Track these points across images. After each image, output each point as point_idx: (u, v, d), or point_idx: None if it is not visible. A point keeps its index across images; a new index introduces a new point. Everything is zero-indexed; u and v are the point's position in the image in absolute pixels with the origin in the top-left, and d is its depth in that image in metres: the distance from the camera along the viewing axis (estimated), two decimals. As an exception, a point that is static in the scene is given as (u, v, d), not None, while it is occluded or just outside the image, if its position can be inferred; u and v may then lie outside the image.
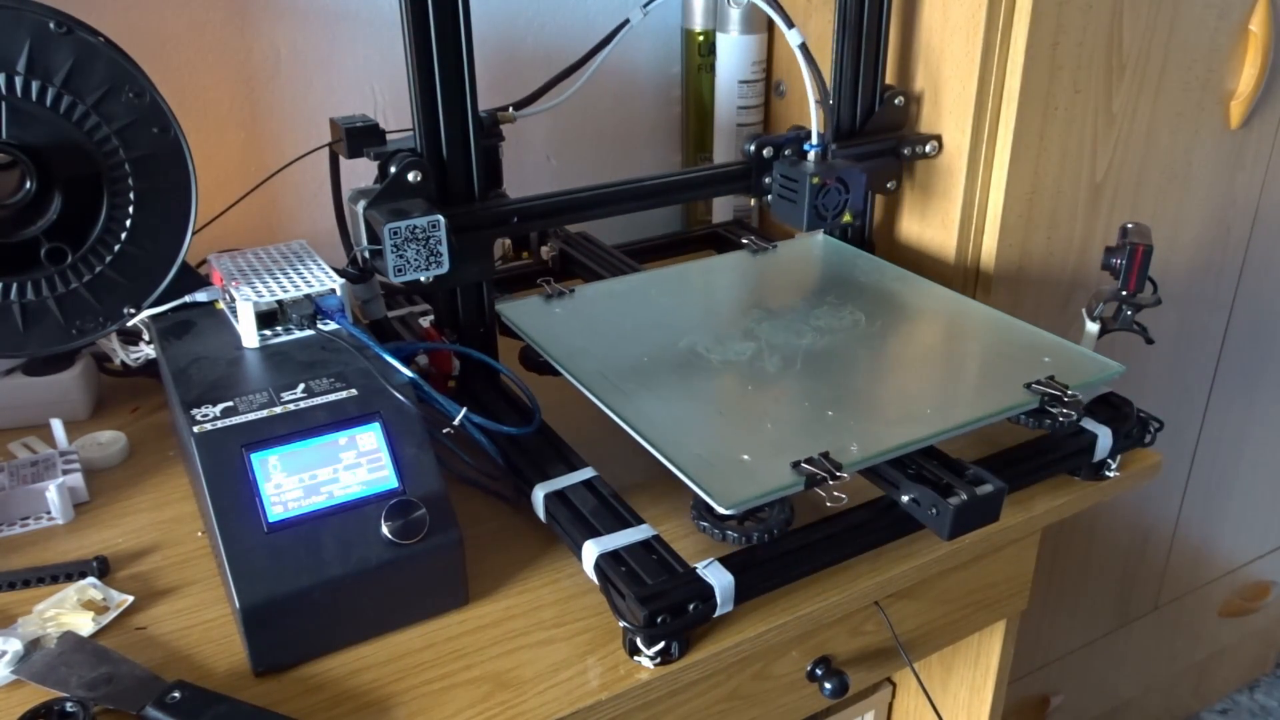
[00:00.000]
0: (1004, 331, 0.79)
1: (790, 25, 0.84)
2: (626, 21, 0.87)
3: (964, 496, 0.63)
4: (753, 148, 0.90)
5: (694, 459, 0.62)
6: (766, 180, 0.90)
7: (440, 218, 0.72)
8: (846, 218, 0.85)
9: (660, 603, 0.58)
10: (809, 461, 0.62)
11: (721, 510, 0.59)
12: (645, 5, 0.85)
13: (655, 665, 0.60)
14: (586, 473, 0.70)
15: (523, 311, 0.82)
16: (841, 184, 0.84)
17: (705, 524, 0.66)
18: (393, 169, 0.73)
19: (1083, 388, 0.71)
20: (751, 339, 0.78)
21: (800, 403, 0.69)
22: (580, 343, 0.77)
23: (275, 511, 0.59)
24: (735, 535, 0.65)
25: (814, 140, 0.86)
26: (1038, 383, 0.71)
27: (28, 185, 0.67)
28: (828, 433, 0.66)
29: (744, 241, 0.96)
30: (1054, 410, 0.69)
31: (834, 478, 0.61)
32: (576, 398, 0.72)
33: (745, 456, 0.63)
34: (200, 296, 0.74)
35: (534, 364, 0.83)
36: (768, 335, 0.79)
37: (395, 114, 1.05)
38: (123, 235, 0.70)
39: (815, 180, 0.82)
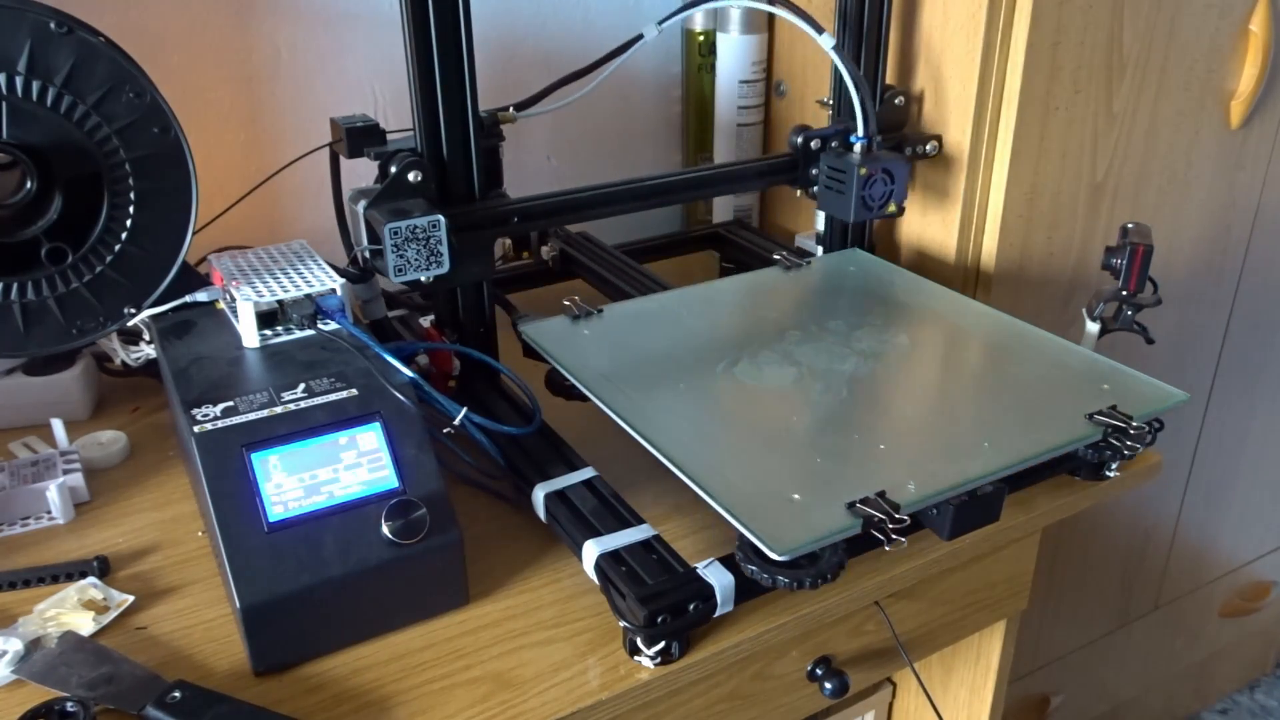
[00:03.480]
0: (1059, 355, 0.76)
1: (819, 30, 0.86)
2: (640, 36, 0.87)
3: (964, 496, 0.63)
4: (800, 140, 0.92)
5: (742, 499, 0.58)
6: (813, 172, 0.93)
7: (440, 218, 0.72)
8: (891, 208, 0.88)
9: (660, 603, 0.58)
10: (864, 502, 0.58)
11: (775, 556, 0.55)
12: (661, 23, 0.86)
13: (655, 665, 0.60)
14: (587, 472, 0.70)
15: (548, 333, 0.78)
16: (888, 174, 0.87)
17: (754, 568, 0.59)
18: (393, 169, 0.73)
19: (1145, 416, 0.67)
20: (792, 363, 0.75)
21: (850, 435, 0.66)
22: (611, 367, 0.74)
23: (275, 511, 0.59)
24: (786, 581, 0.58)
25: (860, 132, 0.88)
26: (1099, 413, 0.68)
27: (28, 185, 0.67)
28: (882, 469, 0.62)
29: (776, 257, 0.93)
30: (1117, 443, 0.66)
31: (893, 520, 0.57)
32: (578, 398, 0.72)
33: (796, 495, 0.59)
34: (201, 296, 0.74)
35: (560, 389, 0.78)
36: (809, 359, 0.75)
37: (395, 114, 1.05)
38: (123, 235, 0.70)
39: (863, 171, 0.85)
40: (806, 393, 0.71)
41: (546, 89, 0.90)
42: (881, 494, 0.59)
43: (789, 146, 0.94)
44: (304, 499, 0.59)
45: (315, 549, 0.59)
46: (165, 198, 0.71)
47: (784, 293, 0.87)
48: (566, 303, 0.82)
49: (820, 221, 1.02)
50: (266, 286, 0.71)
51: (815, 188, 0.94)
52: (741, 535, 0.57)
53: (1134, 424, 0.67)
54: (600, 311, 0.83)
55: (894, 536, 0.57)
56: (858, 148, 0.89)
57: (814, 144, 0.93)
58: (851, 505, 0.58)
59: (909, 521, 0.58)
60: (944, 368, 0.76)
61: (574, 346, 0.77)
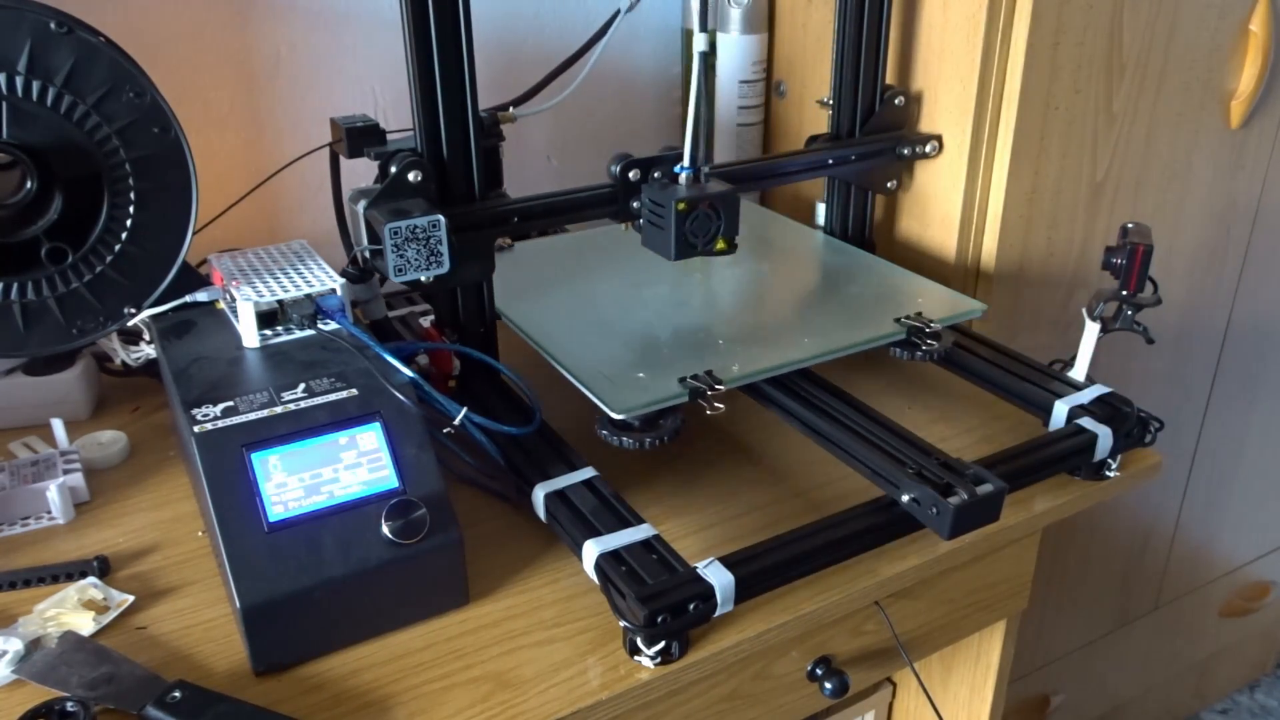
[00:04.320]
0: (889, 277, 0.91)
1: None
2: (617, 12, 0.85)
3: (964, 496, 0.63)
4: (618, 169, 0.81)
5: (596, 376, 0.73)
6: (635, 205, 0.82)
7: (440, 217, 0.72)
8: (720, 245, 0.76)
9: (660, 602, 0.58)
10: (694, 377, 0.72)
11: (614, 416, 0.68)
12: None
13: (655, 665, 0.60)
14: (587, 472, 0.70)
15: None
16: (713, 210, 0.75)
17: (605, 432, 0.70)
18: (393, 169, 0.73)
19: (944, 321, 0.82)
20: (666, 284, 0.89)
21: (697, 334, 0.80)
22: (516, 289, 0.87)
23: (276, 511, 0.59)
24: (631, 441, 0.70)
25: (685, 161, 0.75)
26: (905, 317, 0.81)
27: (28, 185, 0.67)
28: (716, 356, 0.76)
29: None
30: (919, 341, 0.79)
31: (713, 389, 0.71)
32: (578, 398, 0.72)
33: (641, 374, 0.73)
34: (201, 296, 0.74)
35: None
36: (683, 283, 0.90)
37: (395, 114, 1.05)
38: (123, 235, 0.70)
39: (681, 206, 0.74)
40: (672, 306, 0.85)
41: (541, 82, 0.90)
42: (709, 372, 0.73)
43: (608, 175, 0.83)
44: (304, 499, 0.59)
45: (315, 549, 0.59)
46: (165, 198, 0.71)
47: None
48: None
49: (820, 216, 1.02)
50: (266, 286, 0.71)
51: (640, 222, 0.82)
52: (595, 404, 0.70)
53: (931, 325, 0.80)
54: (511, 245, 0.97)
55: (715, 404, 0.70)
56: (682, 179, 0.76)
57: (633, 174, 0.81)
58: (683, 380, 0.72)
59: (724, 389, 0.71)
60: (789, 287, 0.91)
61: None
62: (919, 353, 0.79)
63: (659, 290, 0.88)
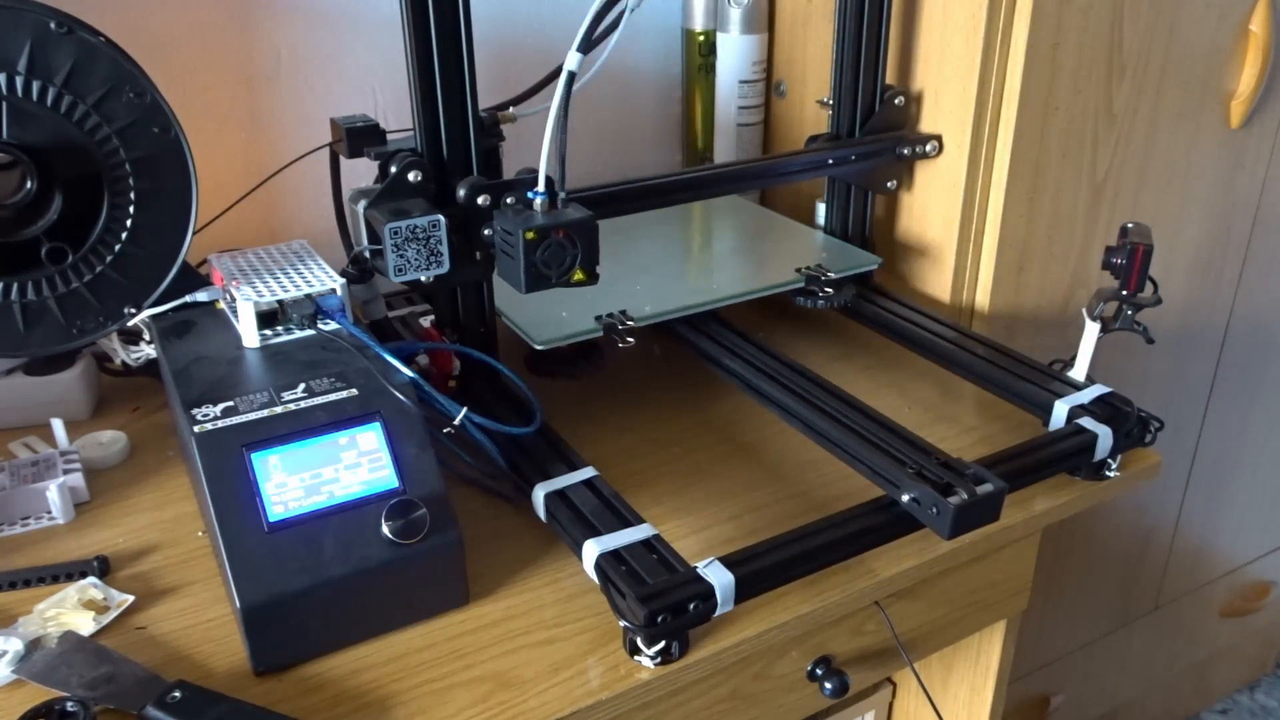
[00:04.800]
0: (803, 238, 1.02)
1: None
2: (622, 12, 0.83)
3: (964, 496, 0.63)
4: (463, 192, 0.75)
5: (526, 317, 0.82)
6: (487, 233, 0.77)
7: (440, 217, 0.72)
8: (579, 276, 0.70)
9: (661, 602, 0.58)
10: (609, 315, 0.82)
11: (536, 346, 0.78)
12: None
13: (655, 665, 0.60)
14: (587, 472, 0.70)
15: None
16: (569, 239, 0.69)
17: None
18: (393, 169, 0.73)
19: (841, 272, 0.92)
20: (611, 244, 0.94)
21: (620, 282, 0.90)
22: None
23: (276, 511, 0.59)
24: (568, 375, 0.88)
25: (540, 186, 0.69)
26: (805, 268, 0.92)
27: (28, 185, 0.67)
28: (633, 299, 0.86)
29: None
30: (815, 289, 0.90)
31: (623, 325, 0.81)
32: (578, 398, 0.73)
33: (564, 314, 0.83)
34: (201, 296, 0.74)
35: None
36: (623, 245, 0.99)
37: (395, 114, 1.04)
38: (123, 235, 0.70)
39: (530, 235, 0.67)
40: (612, 260, 0.92)
41: (541, 82, 0.90)
42: (623, 311, 0.83)
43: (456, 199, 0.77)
44: (304, 499, 0.59)
45: (315, 549, 0.59)
46: (165, 198, 0.71)
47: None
48: None
49: (820, 216, 1.03)
50: (266, 286, 0.71)
51: (493, 250, 0.78)
52: (519, 335, 0.79)
53: (827, 274, 0.90)
54: None
55: (626, 339, 0.80)
56: (537, 204, 0.69)
57: (482, 199, 0.75)
58: (598, 317, 0.81)
59: (635, 325, 0.81)
60: (714, 246, 1.04)
61: None
62: (819, 300, 0.89)
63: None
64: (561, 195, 0.70)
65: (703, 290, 0.88)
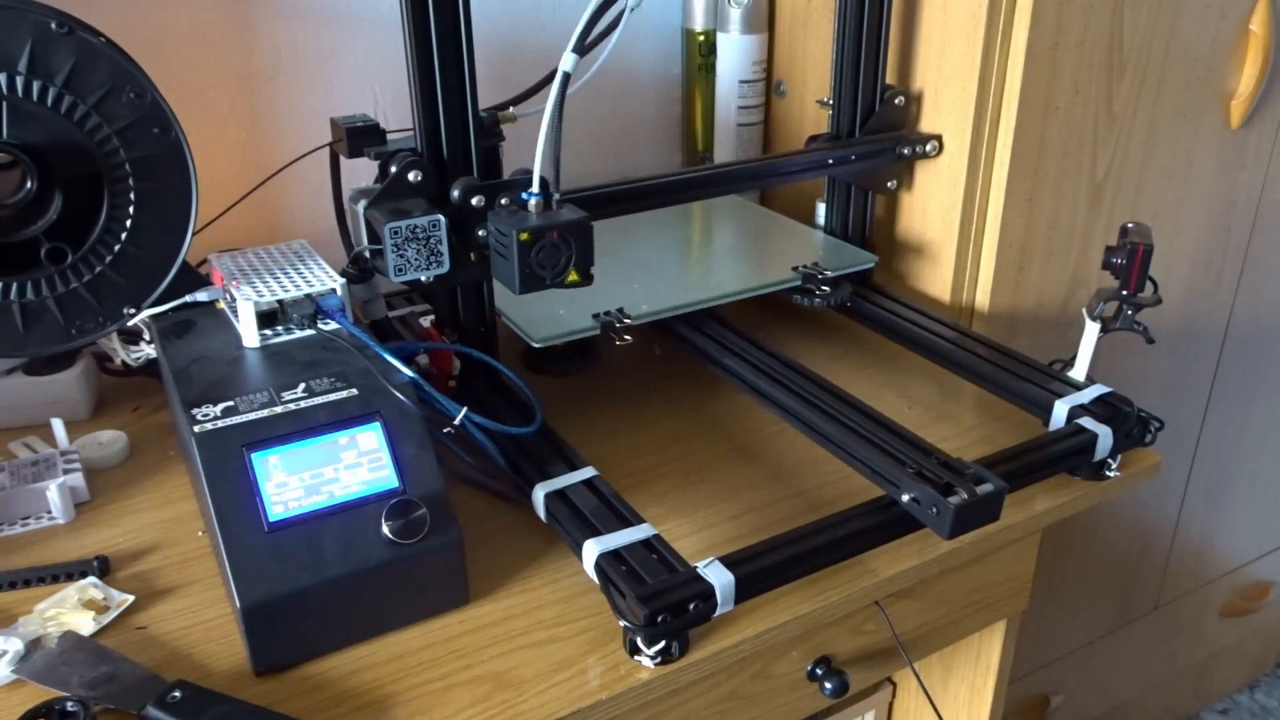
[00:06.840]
0: (801, 236, 1.02)
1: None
2: (622, 11, 0.83)
3: (964, 496, 0.63)
4: (458, 192, 0.75)
5: (524, 316, 0.83)
6: (482, 234, 0.76)
7: (441, 217, 0.72)
8: (573, 277, 0.69)
9: (661, 602, 0.58)
10: (606, 314, 0.82)
11: (533, 344, 0.79)
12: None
13: (655, 665, 0.60)
14: (587, 472, 0.70)
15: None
16: (565, 240, 0.68)
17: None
18: (393, 169, 0.73)
19: (837, 270, 0.92)
20: (610, 244, 0.98)
21: (619, 281, 0.90)
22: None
23: (276, 511, 0.59)
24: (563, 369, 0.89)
25: (534, 187, 0.69)
26: (802, 266, 0.92)
27: (28, 185, 0.67)
28: (631, 298, 0.86)
29: None
30: (811, 287, 0.90)
31: (620, 323, 0.81)
32: (579, 398, 0.73)
33: (562, 311, 0.83)
34: (201, 296, 0.74)
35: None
36: (622, 245, 0.99)
37: (395, 114, 1.04)
38: (123, 235, 0.70)
39: (524, 236, 0.67)
40: (609, 261, 0.94)
41: (541, 82, 0.90)
42: (620, 309, 0.83)
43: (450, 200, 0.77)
44: (304, 499, 0.59)
45: (315, 549, 0.59)
46: (165, 198, 0.71)
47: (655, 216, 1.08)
48: None
49: (820, 216, 1.03)
50: (266, 286, 0.71)
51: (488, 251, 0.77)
52: (516, 332, 0.80)
53: (824, 272, 0.91)
54: None
55: (624, 337, 0.80)
56: (531, 205, 0.69)
57: (476, 200, 0.75)
58: (596, 315, 0.82)
59: (632, 323, 0.82)
60: (713, 246, 1.04)
61: None
62: (815, 298, 0.89)
63: (603, 241, 0.87)
64: (556, 196, 0.70)
65: (700, 289, 0.88)
